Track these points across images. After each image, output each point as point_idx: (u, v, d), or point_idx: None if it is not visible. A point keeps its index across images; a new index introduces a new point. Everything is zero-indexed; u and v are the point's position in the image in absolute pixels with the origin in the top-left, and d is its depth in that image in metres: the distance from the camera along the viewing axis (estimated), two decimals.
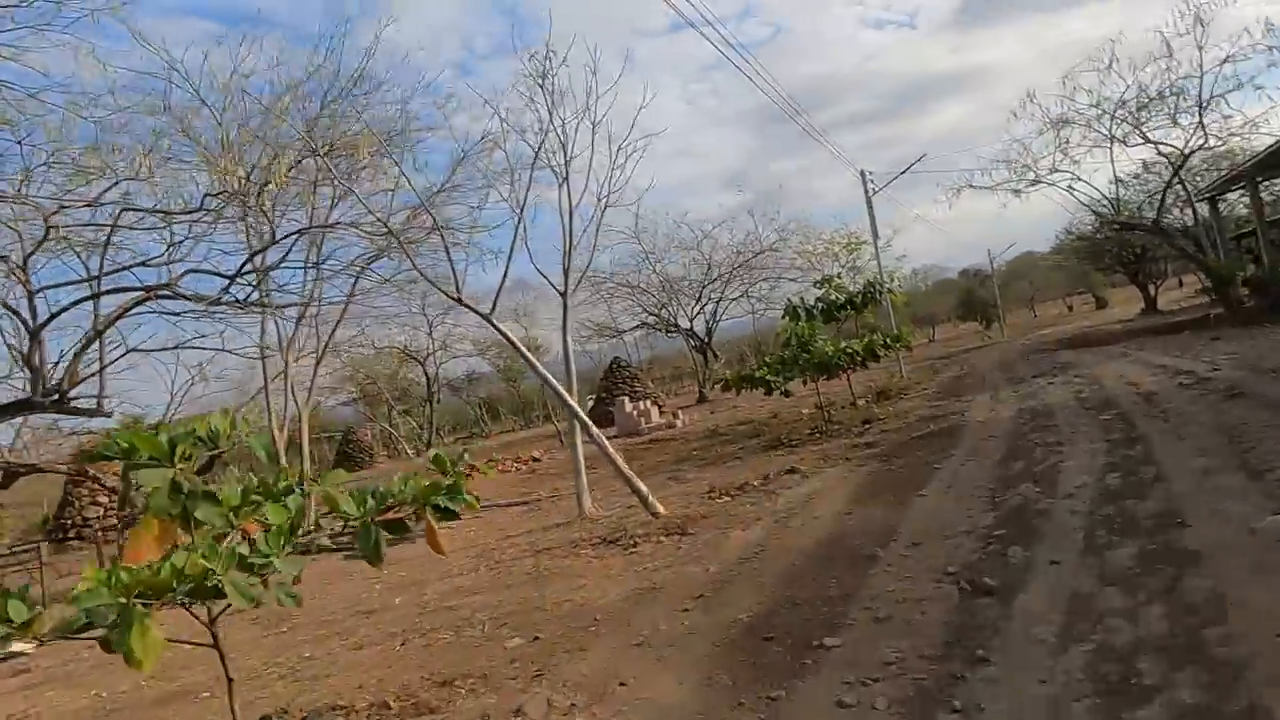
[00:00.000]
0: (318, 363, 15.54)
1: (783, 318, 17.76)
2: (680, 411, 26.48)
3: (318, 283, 12.30)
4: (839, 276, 19.38)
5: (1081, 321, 42.25)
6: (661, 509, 9.29)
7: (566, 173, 10.75)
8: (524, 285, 28.37)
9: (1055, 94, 23.15)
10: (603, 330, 33.15)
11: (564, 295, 11.07)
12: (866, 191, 23.56)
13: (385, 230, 9.39)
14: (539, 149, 10.36)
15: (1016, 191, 23.67)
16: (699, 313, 32.68)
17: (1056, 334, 33.47)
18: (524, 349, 9.28)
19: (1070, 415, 10.47)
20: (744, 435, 16.97)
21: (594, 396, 31.26)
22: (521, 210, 10.94)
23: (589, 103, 10.59)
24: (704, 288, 31.23)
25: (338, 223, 10.20)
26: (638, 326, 32.23)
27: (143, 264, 10.46)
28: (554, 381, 9.42)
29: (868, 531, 6.52)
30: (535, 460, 22.52)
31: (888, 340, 15.26)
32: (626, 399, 26.23)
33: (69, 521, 24.07)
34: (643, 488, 9.43)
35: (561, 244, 11.12)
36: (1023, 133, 36.87)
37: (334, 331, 15.59)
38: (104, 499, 24.14)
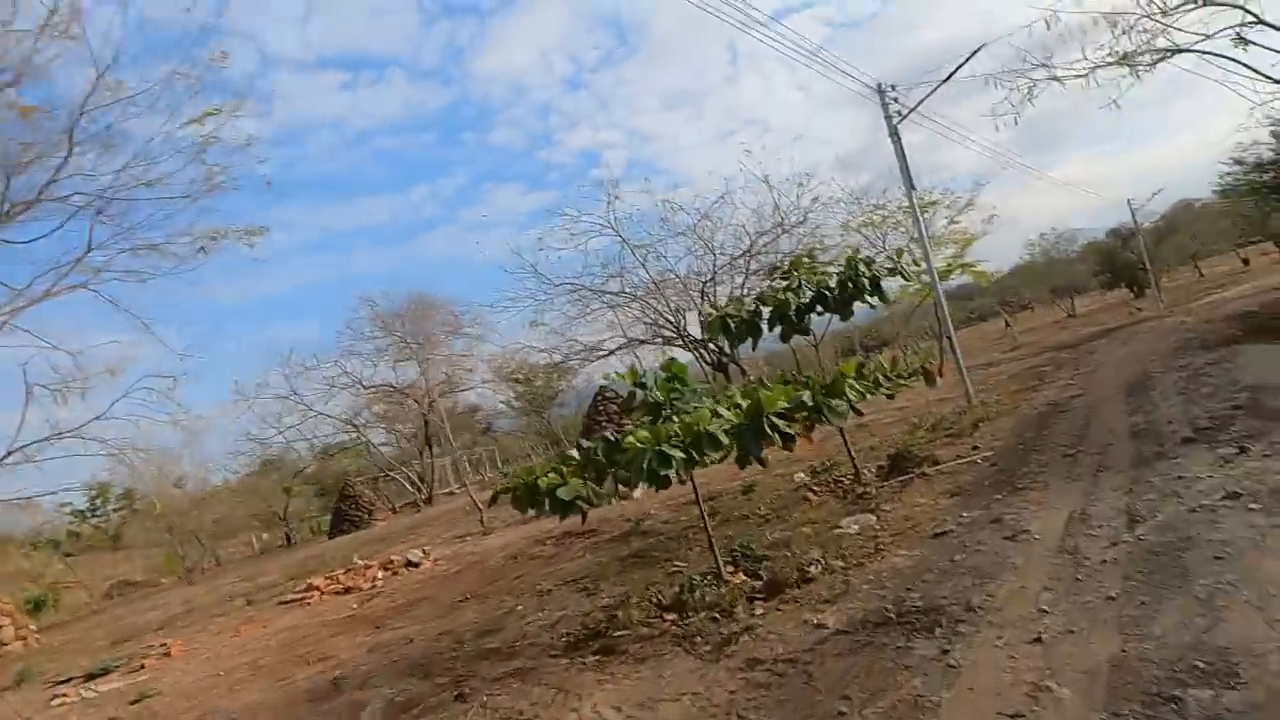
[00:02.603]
0: None
1: (705, 335, 9.84)
2: None
3: None
4: (856, 252, 11.21)
5: (1264, 280, 30.54)
6: None
7: None
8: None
9: None
10: (589, 351, 25.09)
11: None
12: (887, 117, 14.84)
13: None
14: None
15: (1129, 66, 13.09)
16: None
17: (1231, 304, 22.87)
18: None
19: None
20: (646, 557, 9.62)
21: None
22: None
23: None
24: (705, 284, 22.77)
25: None
26: (625, 345, 23.99)
27: None
28: None
29: None
30: (411, 566, 15.17)
31: (831, 389, 7.03)
32: None
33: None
34: None
35: None
36: None
37: None
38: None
